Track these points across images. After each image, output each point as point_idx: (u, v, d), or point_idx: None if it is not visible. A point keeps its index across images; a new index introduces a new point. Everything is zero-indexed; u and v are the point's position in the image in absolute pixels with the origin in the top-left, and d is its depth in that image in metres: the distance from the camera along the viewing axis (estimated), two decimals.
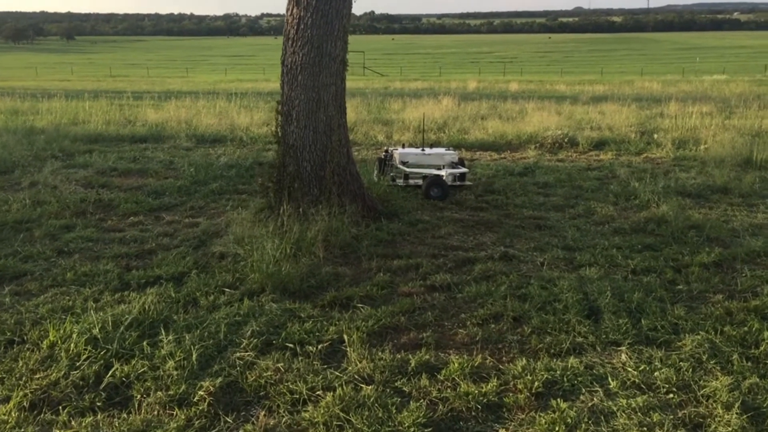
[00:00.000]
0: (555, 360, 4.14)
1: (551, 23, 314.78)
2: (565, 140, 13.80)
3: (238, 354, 4.12)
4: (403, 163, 9.37)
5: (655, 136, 14.38)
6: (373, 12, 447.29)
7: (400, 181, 9.33)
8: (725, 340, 4.35)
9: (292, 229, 6.13)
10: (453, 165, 9.41)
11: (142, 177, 9.99)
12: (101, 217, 7.53)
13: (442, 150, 9.91)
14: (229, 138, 13.88)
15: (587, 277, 5.57)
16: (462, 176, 9.33)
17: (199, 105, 20.68)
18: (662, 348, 4.28)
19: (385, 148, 10.08)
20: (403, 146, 10.24)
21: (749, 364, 4.06)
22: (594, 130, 15.51)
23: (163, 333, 4.29)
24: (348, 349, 4.22)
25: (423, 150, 9.71)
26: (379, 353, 4.19)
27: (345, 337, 4.38)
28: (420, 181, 9.21)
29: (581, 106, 21.76)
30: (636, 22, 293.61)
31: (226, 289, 5.19)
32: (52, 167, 10.38)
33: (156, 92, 28.87)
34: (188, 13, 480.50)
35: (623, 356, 4.14)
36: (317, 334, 4.44)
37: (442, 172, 8.90)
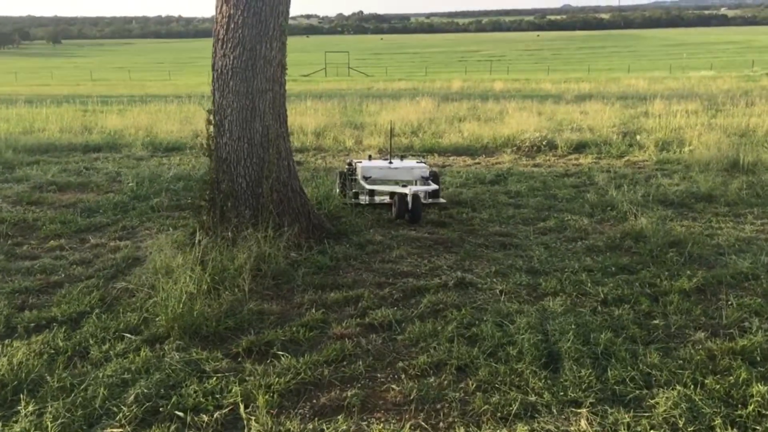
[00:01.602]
0: (500, 427, 3.40)
1: (540, 21, 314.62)
2: (544, 143, 13.11)
3: (109, 430, 3.36)
4: (366, 179, 8.34)
5: (638, 137, 13.71)
6: (361, 12, 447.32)
7: (364, 198, 8.36)
8: (706, 397, 3.62)
9: (217, 258, 5.37)
10: (424, 180, 8.28)
11: (81, 192, 9.21)
12: (17, 242, 6.74)
13: (411, 163, 8.80)
14: (188, 146, 13.10)
15: (550, 310, 4.83)
16: (434, 193, 8.30)
17: (169, 109, 19.91)
18: (630, 409, 3.54)
19: (348, 160, 9.04)
20: (369, 158, 9.32)
21: (734, 431, 3.33)
22: (575, 131, 14.81)
23: (24, 402, 3.52)
24: (250, 418, 3.46)
25: (390, 163, 8.66)
26: (288, 422, 3.44)
27: (249, 400, 3.63)
28: (386, 199, 8.21)
29: (564, 106, 21.10)
30: (624, 19, 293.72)
31: (127, 335, 4.43)
32: None
33: (127, 96, 28.02)
34: (176, 15, 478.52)
35: (582, 422, 3.40)
36: (217, 396, 3.68)
37: (408, 190, 7.58)
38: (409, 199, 7.40)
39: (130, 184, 9.23)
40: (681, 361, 4.04)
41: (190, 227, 6.68)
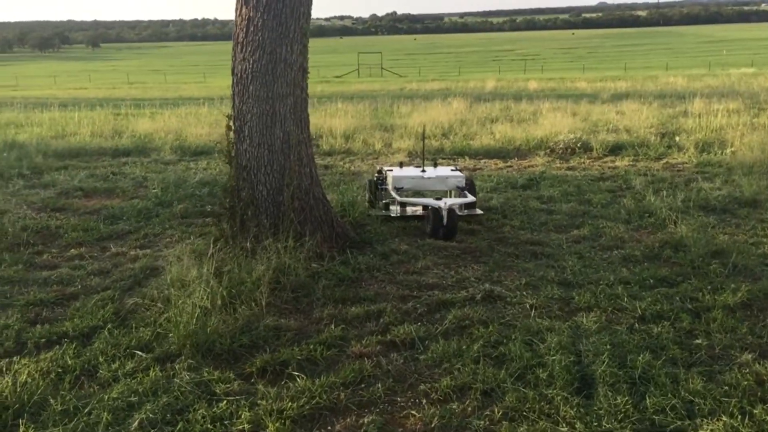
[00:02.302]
0: None
1: (575, 19, 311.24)
2: (578, 145, 12.72)
3: None
4: (398, 190, 7.68)
5: (677, 138, 13.23)
6: (395, 12, 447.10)
7: (395, 210, 7.77)
8: (755, 430, 3.31)
9: (234, 270, 5.18)
10: (459, 190, 7.75)
11: (107, 198, 9.13)
12: (38, 250, 6.65)
13: (446, 171, 8.13)
14: (216, 150, 13.00)
15: (583, 328, 4.53)
16: (470, 204, 7.69)
17: (200, 112, 19.92)
18: None
19: (378, 167, 8.49)
20: (401, 165, 8.64)
21: None
22: (610, 132, 14.38)
23: (23, 427, 3.35)
24: None
25: (423, 171, 8.01)
26: None
27: (259, 427, 3.42)
28: (419, 210, 7.70)
29: (600, 105, 20.59)
30: (661, 16, 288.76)
31: (138, 352, 4.25)
32: (12, 188, 9.60)
33: (160, 99, 28.18)
34: (212, 18, 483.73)
35: None
36: (226, 423, 3.47)
37: (442, 203, 6.92)
38: (444, 213, 6.82)
39: (154, 190, 9.12)
40: (726, 387, 3.72)
41: (212, 236, 6.51)
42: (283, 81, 5.95)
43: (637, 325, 4.61)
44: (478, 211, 7.80)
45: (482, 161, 12.13)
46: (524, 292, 5.27)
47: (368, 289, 5.40)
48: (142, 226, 7.53)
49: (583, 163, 11.60)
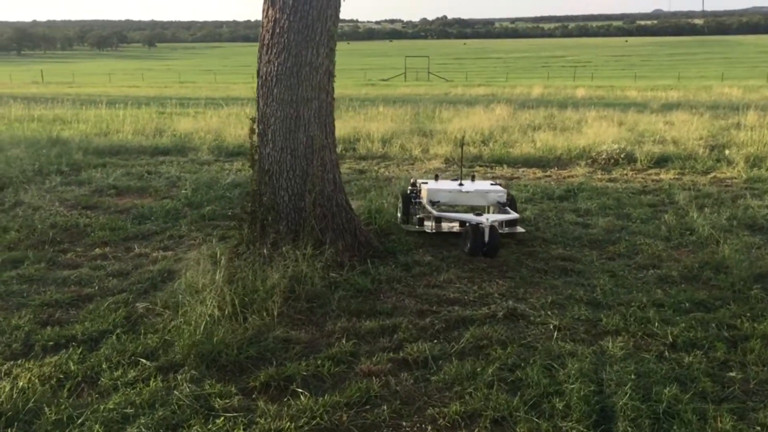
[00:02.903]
0: None
1: (629, 26, 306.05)
2: (622, 156, 12.33)
3: None
4: (433, 204, 7.16)
5: (727, 151, 12.72)
6: (445, 17, 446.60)
7: (429, 225, 7.24)
8: None
9: (248, 277, 5.06)
10: (500, 206, 7.22)
11: (139, 197, 9.15)
12: (63, 248, 6.64)
13: (486, 185, 7.63)
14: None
15: (609, 353, 4.27)
16: (512, 221, 7.18)
17: (243, 112, 20.02)
18: None
19: (413, 180, 7.95)
20: (436, 177, 8.02)
21: None
22: (657, 143, 13.92)
23: None
24: None
25: (461, 184, 7.50)
26: None
27: None
28: (455, 226, 7.21)
29: (648, 115, 20.03)
30: (719, 24, 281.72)
31: (143, 360, 4.15)
32: (49, 184, 9.68)
33: (205, 99, 28.46)
34: None
35: None
36: None
37: (484, 219, 6.53)
38: (486, 230, 6.37)
39: (185, 191, 9.10)
40: (759, 428, 3.42)
41: (235, 239, 6.41)
42: (308, 84, 5.82)
43: (667, 353, 4.32)
44: (520, 229, 7.22)
45: (520, 170, 11.84)
46: (549, 312, 5.02)
47: (386, 301, 5.21)
48: (169, 227, 7.49)
49: (626, 174, 11.21)
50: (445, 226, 7.30)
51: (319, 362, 4.14)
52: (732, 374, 4.04)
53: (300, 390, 3.82)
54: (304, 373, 4.00)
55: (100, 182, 9.83)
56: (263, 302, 4.84)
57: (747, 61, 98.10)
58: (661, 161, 12.18)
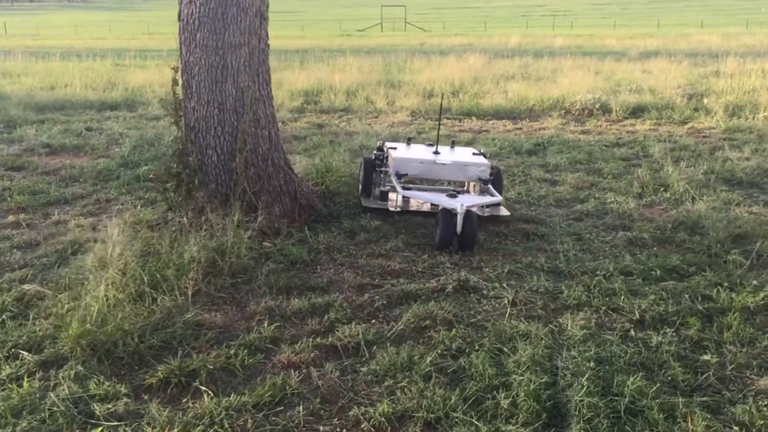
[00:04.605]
0: None
1: None
2: (597, 106, 11.77)
3: None
4: (400, 177, 5.90)
5: (705, 100, 12.16)
6: None
7: (394, 201, 6.10)
8: None
9: (164, 249, 4.43)
10: (482, 183, 5.95)
11: (73, 156, 8.42)
12: None
13: (466, 155, 6.31)
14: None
15: (567, 334, 3.73)
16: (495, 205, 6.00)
17: None
18: None
19: (379, 143, 6.61)
20: (408, 142, 6.71)
21: None
22: (633, 93, 13.31)
23: None
24: None
25: (436, 153, 6.24)
26: None
27: None
28: (427, 206, 6.00)
29: (626, 63, 19.44)
30: None
31: (24, 353, 3.54)
32: None
33: (168, 51, 27.25)
34: None
35: None
36: None
37: (457, 204, 5.14)
38: (459, 218, 5.08)
39: (118, 150, 8.38)
40: (737, 429, 2.90)
41: (164, 205, 5.76)
42: (236, 28, 5.11)
43: (633, 332, 3.79)
44: (504, 212, 6.03)
45: (490, 122, 11.21)
46: (505, 284, 4.46)
47: (322, 275, 4.62)
48: (98, 189, 6.83)
49: (600, 126, 10.64)
50: (414, 204, 6.11)
51: (232, 352, 3.55)
52: (706, 357, 3.51)
53: (204, 388, 3.24)
54: (212, 367, 3.41)
55: (34, 141, 9.05)
56: (179, 279, 4.23)
57: (726, 8, 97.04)
58: (637, 111, 11.62)
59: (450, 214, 5.10)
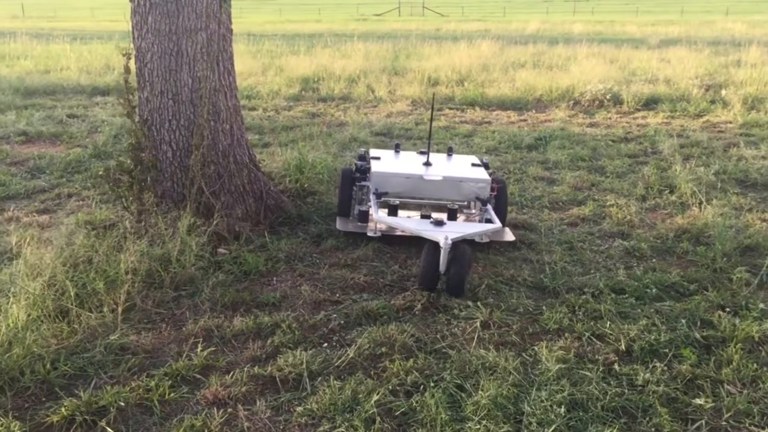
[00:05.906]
0: None
1: None
2: (607, 97, 11.17)
3: None
4: (379, 196, 4.84)
5: (723, 91, 11.51)
6: None
7: (372, 224, 5.00)
8: None
9: (100, 258, 3.99)
10: (481, 203, 4.91)
11: (49, 145, 8.02)
12: None
13: (464, 166, 5.23)
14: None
15: (540, 369, 3.24)
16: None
17: None
18: None
19: (362, 151, 5.55)
20: (397, 149, 5.65)
21: None
22: (648, 83, 12.69)
23: None
24: None
25: (427, 163, 5.18)
26: None
27: None
28: (412, 227, 4.33)
29: (644, 52, 18.72)
30: None
31: None
32: None
33: None
34: None
35: None
36: None
37: (441, 236, 3.98)
38: (444, 254, 3.98)
39: (90, 140, 7.96)
40: None
41: (123, 203, 5.31)
42: (191, 11, 4.63)
43: (617, 365, 3.29)
44: (509, 236, 4.97)
45: (494, 113, 10.67)
46: (480, 302, 3.97)
47: (277, 287, 4.16)
48: (63, 182, 6.42)
49: (609, 118, 10.06)
50: (398, 230, 4.93)
51: (153, 383, 3.10)
52: (699, 402, 3.01)
53: (110, 430, 2.79)
54: (124, 403, 2.96)
55: (10, 128, 8.66)
56: (112, 293, 3.79)
57: None
58: (651, 103, 11.03)
59: (435, 246, 4.07)
